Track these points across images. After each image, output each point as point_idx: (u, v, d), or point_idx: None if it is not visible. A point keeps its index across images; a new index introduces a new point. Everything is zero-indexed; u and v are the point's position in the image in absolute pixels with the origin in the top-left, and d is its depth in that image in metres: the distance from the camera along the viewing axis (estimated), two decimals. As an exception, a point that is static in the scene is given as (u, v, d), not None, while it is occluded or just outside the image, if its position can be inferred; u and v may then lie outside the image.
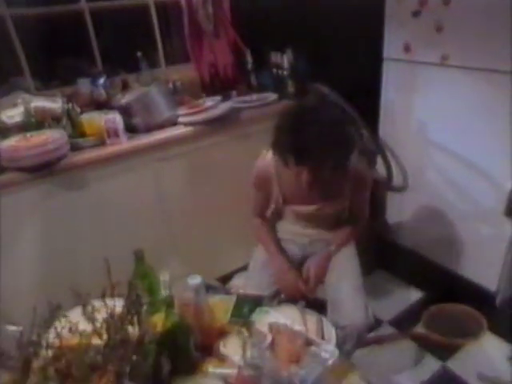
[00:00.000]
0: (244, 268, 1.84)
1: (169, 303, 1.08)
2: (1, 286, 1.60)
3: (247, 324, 0.95)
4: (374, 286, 2.30)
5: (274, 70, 2.39)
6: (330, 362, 1.04)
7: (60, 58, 2.30)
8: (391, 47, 2.13)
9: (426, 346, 2.01)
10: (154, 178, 2.04)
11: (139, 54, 2.28)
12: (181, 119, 2.13)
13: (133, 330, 0.97)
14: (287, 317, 1.16)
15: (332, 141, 1.25)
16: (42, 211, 1.80)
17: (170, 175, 2.08)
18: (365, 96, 2.19)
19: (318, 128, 1.24)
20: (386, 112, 2.28)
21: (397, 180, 2.32)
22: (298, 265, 1.67)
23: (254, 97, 2.38)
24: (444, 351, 1.97)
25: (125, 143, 1.94)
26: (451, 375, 1.87)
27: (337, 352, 1.05)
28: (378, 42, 2.14)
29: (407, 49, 2.06)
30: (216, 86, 2.52)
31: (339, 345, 1.13)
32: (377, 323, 2.12)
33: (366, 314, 1.45)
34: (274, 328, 1.12)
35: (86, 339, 0.84)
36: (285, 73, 2.30)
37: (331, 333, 1.15)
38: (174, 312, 1.08)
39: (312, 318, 1.18)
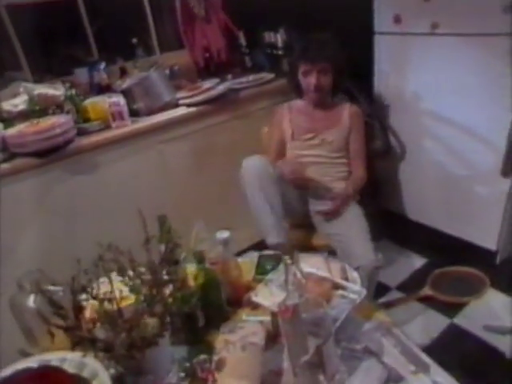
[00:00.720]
0: (257, 245, 1.89)
1: (199, 259, 1.12)
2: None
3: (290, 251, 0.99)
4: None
5: (268, 50, 2.43)
6: (358, 301, 1.10)
7: (56, 49, 2.31)
8: (381, 20, 2.19)
9: (433, 306, 2.09)
10: (159, 160, 2.07)
11: (135, 40, 2.31)
12: (181, 101, 2.17)
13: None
14: (312, 265, 1.22)
15: (332, 48, 1.82)
16: (51, 196, 1.82)
17: (174, 156, 2.13)
18: (358, 70, 2.22)
19: (322, 40, 1.83)
20: (380, 84, 2.35)
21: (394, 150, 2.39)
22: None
23: (251, 77, 2.42)
24: (450, 309, 2.05)
25: (130, 126, 1.97)
26: (459, 330, 1.95)
27: (364, 292, 1.11)
28: (368, 16, 2.21)
29: (397, 20, 2.12)
30: (211, 69, 2.57)
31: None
32: (385, 289, 2.20)
33: (376, 255, 1.64)
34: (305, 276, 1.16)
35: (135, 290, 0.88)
36: (279, 52, 2.35)
37: (355, 276, 1.21)
38: (205, 267, 1.12)
39: (335, 265, 1.24)
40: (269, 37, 2.45)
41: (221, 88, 2.16)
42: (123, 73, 2.31)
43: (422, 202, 2.45)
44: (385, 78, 2.32)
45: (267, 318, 1.10)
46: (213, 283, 1.14)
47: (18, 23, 2.14)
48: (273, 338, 1.04)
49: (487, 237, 2.20)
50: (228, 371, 0.94)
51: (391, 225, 2.50)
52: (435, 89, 2.13)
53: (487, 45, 1.86)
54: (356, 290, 1.14)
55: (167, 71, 2.42)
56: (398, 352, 1.05)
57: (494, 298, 2.10)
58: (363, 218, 1.80)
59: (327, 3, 2.31)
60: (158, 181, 2.10)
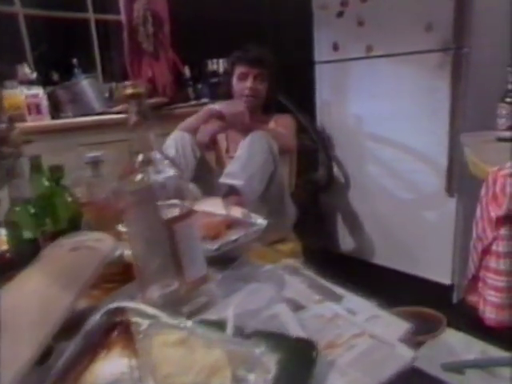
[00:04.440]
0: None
1: (35, 166, 0.95)
2: None
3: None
4: None
5: (211, 79, 2.49)
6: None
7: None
8: (321, 49, 2.34)
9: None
10: (78, 163, 1.91)
11: (74, 60, 2.32)
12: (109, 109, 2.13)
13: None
14: (207, 205, 1.05)
15: (270, 60, 1.85)
16: None
17: None
18: (302, 103, 2.32)
19: (262, 49, 1.87)
20: (323, 114, 2.41)
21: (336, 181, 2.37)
22: None
23: (192, 103, 2.47)
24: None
25: (48, 122, 1.89)
26: (416, 370, 1.68)
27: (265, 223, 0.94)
28: (309, 47, 2.35)
29: (336, 48, 2.26)
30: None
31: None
32: None
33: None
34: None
35: None
36: (220, 79, 2.39)
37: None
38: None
39: (237, 210, 1.07)
40: (211, 65, 2.54)
41: (152, 101, 2.12)
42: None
43: (369, 239, 2.35)
44: (327, 108, 2.40)
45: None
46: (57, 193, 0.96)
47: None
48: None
49: (441, 270, 2.07)
50: (40, 267, 0.71)
51: (336, 266, 2.30)
52: (375, 113, 2.19)
53: (417, 62, 1.97)
54: (258, 222, 0.96)
55: (106, 94, 2.39)
56: (305, 287, 0.86)
57: (451, 336, 1.86)
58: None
59: (270, 36, 2.43)
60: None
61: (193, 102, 2.45)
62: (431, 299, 1.98)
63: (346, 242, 2.44)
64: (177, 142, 1.66)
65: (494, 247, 1.13)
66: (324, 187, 2.36)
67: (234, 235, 0.94)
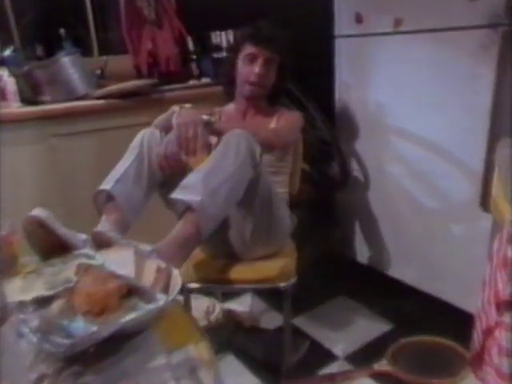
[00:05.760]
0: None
1: None
2: None
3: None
4: (331, 315, 2.03)
5: (215, 55, 2.25)
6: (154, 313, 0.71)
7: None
8: (342, 21, 2.02)
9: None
10: (50, 156, 1.82)
11: (62, 31, 2.12)
12: (92, 94, 1.94)
13: None
14: (117, 259, 0.83)
15: (285, 43, 1.63)
16: None
17: (70, 154, 1.86)
18: (318, 80, 2.05)
19: (277, 29, 1.62)
20: (341, 99, 2.12)
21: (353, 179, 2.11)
22: None
23: (191, 83, 2.25)
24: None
25: (14, 108, 1.74)
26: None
27: (165, 301, 0.71)
28: (328, 19, 2.03)
29: (359, 19, 1.93)
30: (154, 76, 2.33)
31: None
32: (330, 358, 1.79)
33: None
34: (81, 268, 0.78)
35: None
36: (223, 54, 2.12)
37: (176, 283, 0.81)
38: None
39: (153, 264, 0.84)
40: (215, 38, 2.28)
41: (139, 82, 1.90)
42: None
43: (388, 247, 2.09)
44: (346, 92, 2.09)
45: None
46: None
47: None
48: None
49: (467, 296, 1.75)
50: None
51: (348, 275, 2.17)
52: (401, 102, 1.88)
53: (455, 41, 1.63)
54: (158, 297, 0.73)
55: (98, 71, 2.19)
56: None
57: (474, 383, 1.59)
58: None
59: (283, 4, 2.13)
60: (45, 181, 1.83)
61: (191, 83, 2.21)
62: (454, 328, 1.73)
63: (362, 250, 2.20)
64: (143, 139, 1.44)
65: (496, 333, 0.84)
66: (339, 185, 2.11)
67: (126, 312, 0.73)
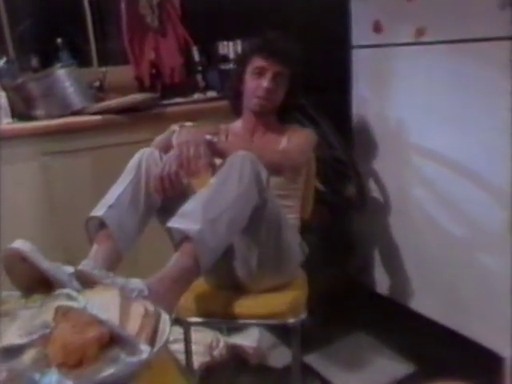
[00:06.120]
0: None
1: None
2: None
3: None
4: (346, 353, 1.99)
5: (222, 66, 2.26)
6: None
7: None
8: (360, 30, 2.03)
9: None
10: (41, 176, 1.84)
11: (59, 40, 2.14)
12: (88, 109, 1.96)
13: None
14: (98, 301, 0.81)
15: (296, 55, 1.63)
16: None
17: (63, 174, 1.88)
18: (333, 94, 2.08)
19: (287, 40, 1.64)
20: (358, 111, 2.13)
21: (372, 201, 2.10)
22: None
23: (195, 96, 2.26)
24: None
25: (5, 125, 1.78)
26: None
27: (149, 353, 0.69)
28: (344, 27, 2.04)
29: (378, 28, 1.94)
30: (157, 90, 2.35)
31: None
32: None
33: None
34: (60, 312, 0.76)
35: None
36: (230, 66, 2.13)
37: (164, 329, 0.79)
38: None
39: (139, 306, 0.82)
40: (223, 48, 2.29)
41: (140, 96, 1.92)
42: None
43: (410, 277, 2.07)
44: (364, 107, 2.10)
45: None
46: None
47: None
48: None
49: (498, 336, 1.74)
50: None
51: (365, 308, 2.13)
52: (424, 118, 1.88)
53: (483, 53, 1.61)
54: (142, 348, 0.71)
55: (97, 83, 2.21)
56: None
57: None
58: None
59: (295, 13, 2.15)
60: (35, 203, 1.84)
61: (195, 97, 2.22)
62: (482, 372, 1.66)
63: (381, 279, 2.17)
64: (141, 159, 1.43)
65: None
66: (356, 207, 2.08)
67: (106, 364, 0.71)
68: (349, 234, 2.24)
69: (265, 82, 1.57)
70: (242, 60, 1.68)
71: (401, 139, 1.96)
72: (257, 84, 1.59)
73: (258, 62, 1.59)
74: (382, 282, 2.18)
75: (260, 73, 1.58)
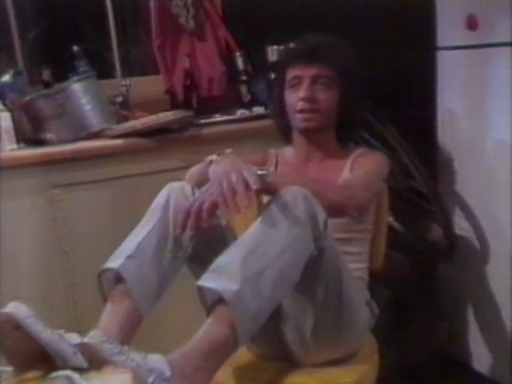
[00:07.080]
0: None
1: None
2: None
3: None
4: None
5: (271, 76, 2.25)
6: None
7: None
8: (448, 27, 2.04)
9: None
10: (49, 211, 1.89)
11: (76, 48, 2.22)
12: (108, 132, 2.01)
13: None
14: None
15: (340, 52, 1.62)
16: None
17: (74, 209, 1.92)
18: (412, 107, 2.13)
19: (325, 39, 1.63)
20: (445, 130, 2.14)
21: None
22: None
23: (239, 113, 2.26)
24: None
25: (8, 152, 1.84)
26: None
27: None
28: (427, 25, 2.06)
29: (472, 25, 1.92)
30: (192, 104, 2.41)
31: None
32: None
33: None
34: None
35: None
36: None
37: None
38: None
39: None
40: (272, 54, 2.29)
41: (171, 114, 1.95)
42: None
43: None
44: (452, 124, 2.11)
45: None
46: None
47: None
48: None
49: None
50: None
51: None
52: None
53: None
54: None
55: (119, 98, 2.26)
56: None
57: None
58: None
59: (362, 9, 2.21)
60: (42, 244, 1.89)
61: (238, 114, 2.23)
62: None
63: (478, 352, 2.11)
64: (169, 197, 1.44)
65: None
66: (443, 255, 2.06)
67: None
68: (434, 290, 2.20)
69: (301, 92, 1.55)
70: (279, 72, 1.69)
71: (502, 166, 1.93)
72: (294, 97, 1.58)
73: (291, 71, 1.59)
74: (479, 355, 2.11)
75: (297, 83, 1.57)
